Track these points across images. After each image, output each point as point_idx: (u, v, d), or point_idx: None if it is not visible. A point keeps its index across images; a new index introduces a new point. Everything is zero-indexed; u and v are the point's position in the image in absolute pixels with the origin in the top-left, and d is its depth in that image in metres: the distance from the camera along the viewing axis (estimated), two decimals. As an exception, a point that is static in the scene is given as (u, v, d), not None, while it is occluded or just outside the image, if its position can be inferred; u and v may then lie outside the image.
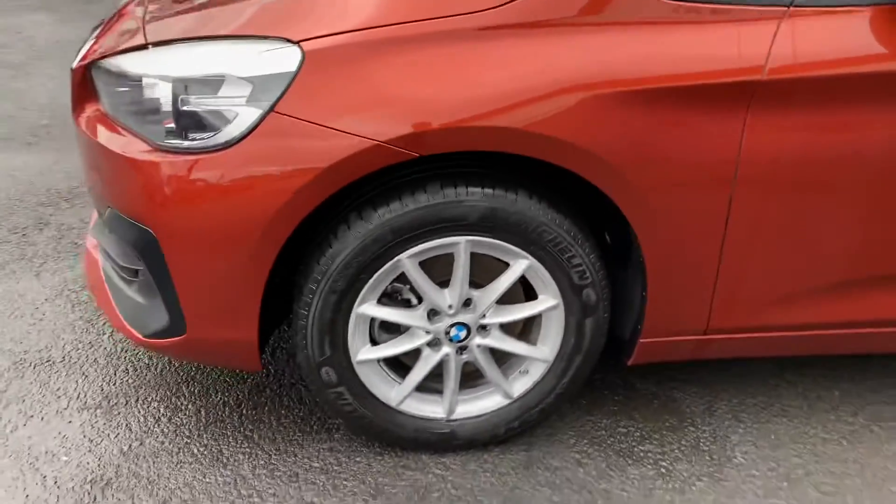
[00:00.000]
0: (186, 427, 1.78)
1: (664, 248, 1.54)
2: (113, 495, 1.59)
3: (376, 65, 1.37)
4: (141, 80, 1.49)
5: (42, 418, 1.78)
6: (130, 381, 1.91)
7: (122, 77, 1.54)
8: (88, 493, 1.59)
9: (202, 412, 1.83)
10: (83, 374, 1.92)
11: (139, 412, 1.81)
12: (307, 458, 1.72)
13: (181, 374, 1.94)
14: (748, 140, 1.45)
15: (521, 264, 1.55)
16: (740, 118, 1.43)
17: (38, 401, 1.83)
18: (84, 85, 1.68)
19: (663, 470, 1.76)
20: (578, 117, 1.39)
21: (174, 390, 1.89)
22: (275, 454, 1.72)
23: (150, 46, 1.53)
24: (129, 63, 1.52)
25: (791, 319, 1.69)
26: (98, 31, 1.83)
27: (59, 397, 1.84)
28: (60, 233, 2.54)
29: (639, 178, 1.45)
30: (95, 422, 1.78)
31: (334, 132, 1.36)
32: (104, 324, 2.10)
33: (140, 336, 1.64)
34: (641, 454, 1.80)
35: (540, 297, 1.61)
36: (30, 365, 1.94)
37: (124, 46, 1.58)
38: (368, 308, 1.56)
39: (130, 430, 1.76)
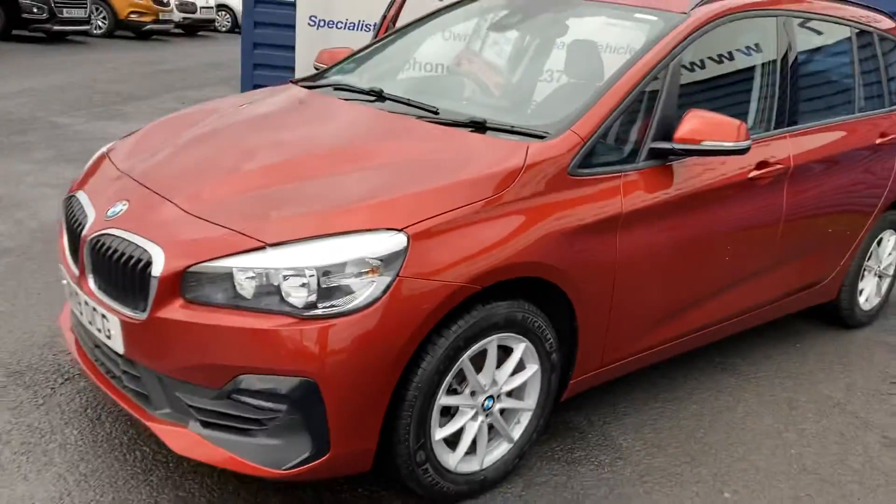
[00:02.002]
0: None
1: (587, 316, 2.54)
2: None
3: (450, 234, 2.14)
4: (275, 272, 2.01)
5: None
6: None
7: (249, 271, 2.02)
8: None
9: (296, 529, 2.24)
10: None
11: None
12: (400, 529, 2.28)
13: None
14: (619, 247, 2.55)
15: (521, 347, 2.41)
16: (614, 235, 2.53)
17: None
18: (174, 288, 2.08)
19: (597, 463, 2.72)
20: (559, 247, 2.34)
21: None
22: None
23: (268, 248, 2.05)
24: (261, 261, 2.02)
25: (639, 347, 2.83)
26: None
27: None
28: (-1, 441, 2.53)
29: (582, 276, 2.44)
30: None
31: (439, 281, 2.09)
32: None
33: (278, 471, 2.06)
34: (579, 458, 2.74)
35: (527, 366, 2.47)
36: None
37: (235, 250, 2.05)
38: (444, 399, 2.25)
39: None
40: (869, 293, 4.20)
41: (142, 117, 8.05)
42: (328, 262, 2.02)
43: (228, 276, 2.05)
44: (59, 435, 2.58)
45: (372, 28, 6.44)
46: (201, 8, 18.05)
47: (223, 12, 19.94)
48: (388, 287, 2.04)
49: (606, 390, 3.16)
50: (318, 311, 2.01)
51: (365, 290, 2.03)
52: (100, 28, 15.12)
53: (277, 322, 2.01)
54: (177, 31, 17.54)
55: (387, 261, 2.04)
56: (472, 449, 2.42)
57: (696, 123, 2.62)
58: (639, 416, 3.05)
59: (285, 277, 2.02)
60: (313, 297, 2.01)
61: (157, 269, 2.09)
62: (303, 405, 2.03)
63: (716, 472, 2.74)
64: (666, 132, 2.66)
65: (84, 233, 2.36)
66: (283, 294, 2.02)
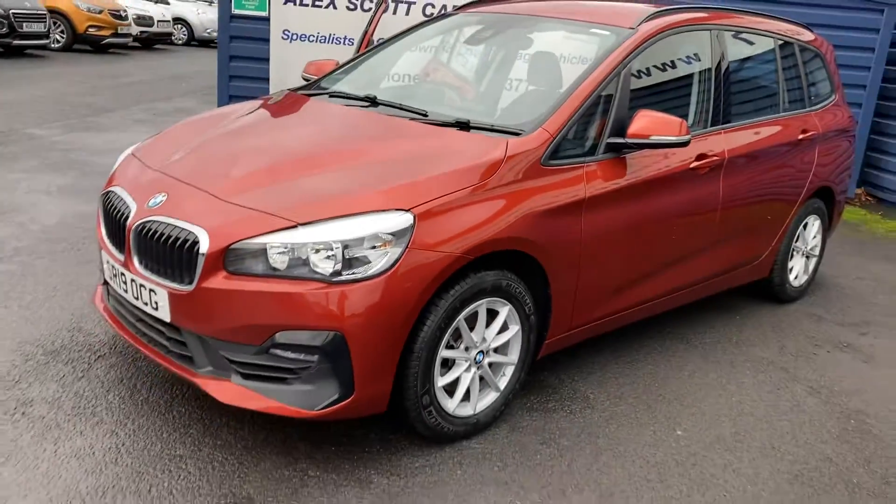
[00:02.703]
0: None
1: (558, 285, 3.02)
2: None
3: (450, 213, 2.59)
4: (306, 246, 2.43)
5: None
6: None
7: (283, 246, 2.44)
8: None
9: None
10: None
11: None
12: (407, 463, 2.71)
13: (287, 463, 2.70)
14: (584, 225, 3.03)
15: (505, 310, 2.87)
16: (580, 216, 3.01)
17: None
18: (218, 263, 2.48)
19: (569, 411, 3.19)
20: (535, 225, 2.80)
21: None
22: (383, 473, 2.68)
23: (299, 227, 2.47)
24: (294, 237, 2.44)
25: (601, 313, 3.32)
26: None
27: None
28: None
29: (554, 250, 2.92)
30: (265, 492, 2.49)
31: (440, 252, 2.53)
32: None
33: (311, 412, 2.48)
34: (553, 408, 3.20)
35: (510, 326, 2.93)
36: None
37: (269, 229, 2.47)
38: (444, 352, 2.70)
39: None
40: (798, 271, 4.77)
41: (116, 128, 8.34)
42: (349, 237, 2.45)
43: (266, 251, 2.46)
44: (103, 400, 2.95)
45: (342, 41, 6.86)
46: (158, 21, 18.21)
47: (179, 25, 20.09)
48: (399, 257, 2.47)
49: (574, 355, 3.64)
50: (343, 278, 2.44)
51: (380, 260, 2.47)
52: (58, 42, 15.20)
53: (310, 287, 2.43)
54: (134, 44, 17.65)
55: (397, 235, 2.48)
56: (467, 396, 2.87)
57: (645, 121, 3.12)
58: (603, 375, 3.53)
59: (316, 251, 2.44)
60: (339, 266, 2.44)
61: (204, 248, 2.49)
62: (333, 355, 2.45)
63: (669, 416, 3.23)
64: (620, 129, 3.15)
65: (129, 221, 2.74)
66: (312, 264, 2.45)
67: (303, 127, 3.29)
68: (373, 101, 3.39)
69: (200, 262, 2.50)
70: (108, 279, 2.96)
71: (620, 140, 3.14)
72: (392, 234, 2.48)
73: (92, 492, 2.43)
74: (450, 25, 4.18)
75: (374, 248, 2.47)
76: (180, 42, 20.26)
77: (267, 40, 6.91)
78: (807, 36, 4.74)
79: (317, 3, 6.82)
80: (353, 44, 6.87)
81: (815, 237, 4.85)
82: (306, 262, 2.45)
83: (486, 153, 2.82)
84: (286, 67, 6.88)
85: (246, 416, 2.90)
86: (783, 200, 4.37)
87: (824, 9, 7.14)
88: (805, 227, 4.71)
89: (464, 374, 2.83)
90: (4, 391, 2.94)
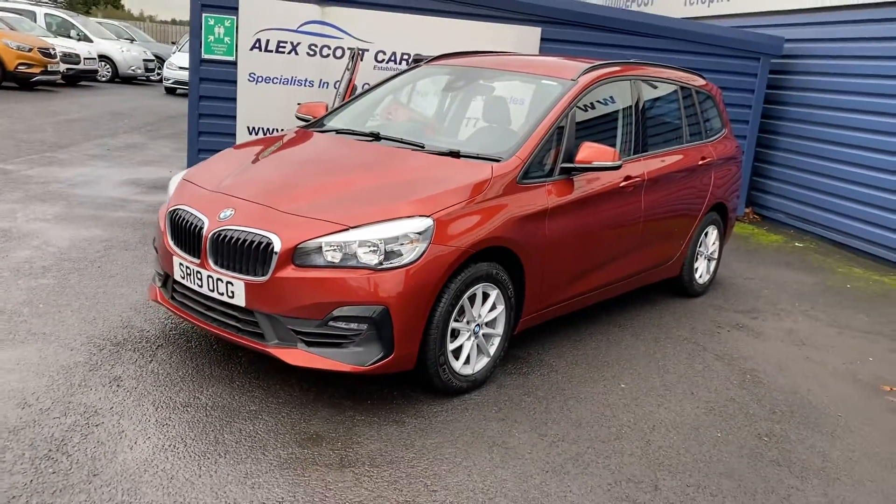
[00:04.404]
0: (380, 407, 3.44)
1: (531, 274, 3.96)
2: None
3: (457, 218, 3.50)
4: (356, 244, 3.29)
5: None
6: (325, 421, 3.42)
7: (339, 244, 3.29)
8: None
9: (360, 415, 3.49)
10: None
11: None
12: (427, 409, 3.57)
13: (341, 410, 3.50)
14: (547, 227, 4.00)
15: (494, 293, 3.79)
16: (544, 222, 3.98)
17: (288, 434, 3.23)
18: (288, 258, 3.30)
19: (539, 374, 4.13)
20: (514, 228, 3.75)
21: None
22: (411, 416, 3.53)
23: (350, 229, 3.33)
24: (346, 237, 3.29)
25: (560, 297, 4.29)
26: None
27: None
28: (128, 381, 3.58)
29: (528, 247, 3.86)
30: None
31: (451, 247, 3.44)
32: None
33: (362, 367, 3.31)
34: (527, 372, 4.13)
35: (497, 306, 3.85)
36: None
37: (327, 231, 3.31)
38: (453, 324, 3.59)
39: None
40: (702, 271, 5.91)
41: (78, 163, 8.85)
42: (388, 236, 3.32)
43: (323, 248, 3.30)
44: (176, 376, 3.68)
45: (304, 83, 7.71)
46: (85, 59, 18.43)
47: (103, 63, 20.31)
48: (424, 251, 3.36)
49: (537, 336, 4.59)
50: (384, 266, 3.31)
51: (410, 253, 3.35)
52: (-15, 79, 15.29)
53: (360, 273, 3.28)
54: (60, 81, 17.81)
55: (422, 234, 3.37)
56: (467, 361, 3.76)
57: (589, 151, 4.13)
58: (559, 350, 4.49)
59: (362, 247, 3.30)
60: (381, 258, 3.30)
61: (278, 248, 3.31)
62: (379, 324, 3.30)
63: (613, 375, 4.21)
64: (570, 156, 4.15)
65: (205, 230, 3.52)
66: (358, 257, 3.30)
67: (325, 155, 4.15)
68: (376, 136, 4.28)
69: (274, 258, 3.31)
70: (178, 279, 3.71)
71: (571, 165, 4.13)
72: (418, 233, 3.37)
73: (199, 434, 3.18)
74: (422, 74, 5.13)
75: (404, 244, 3.35)
76: (104, 79, 20.46)
77: (234, 82, 7.67)
78: (700, 81, 5.94)
79: (280, 49, 7.65)
80: (313, 86, 7.74)
81: (714, 243, 6.00)
82: (355, 256, 3.31)
83: (476, 174, 3.76)
84: (252, 107, 7.67)
85: (295, 382, 3.70)
86: (689, 213, 5.49)
87: (713, 56, 8.51)
88: (706, 235, 5.85)
89: (466, 342, 3.72)
90: (95, 371, 3.64)
